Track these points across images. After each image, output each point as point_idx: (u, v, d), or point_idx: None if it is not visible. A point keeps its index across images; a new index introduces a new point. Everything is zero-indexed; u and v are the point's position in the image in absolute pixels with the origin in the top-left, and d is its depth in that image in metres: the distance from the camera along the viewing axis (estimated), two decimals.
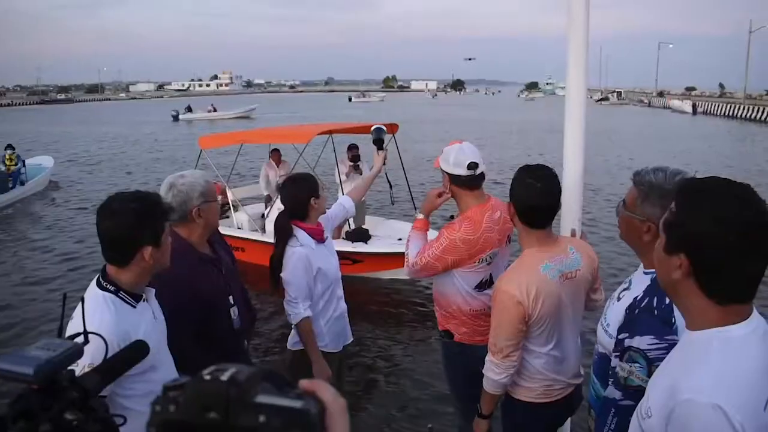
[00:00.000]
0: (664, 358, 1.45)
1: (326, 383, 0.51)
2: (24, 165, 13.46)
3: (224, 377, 0.45)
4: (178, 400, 0.46)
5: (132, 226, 1.67)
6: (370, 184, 3.39)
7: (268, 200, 8.53)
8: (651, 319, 1.51)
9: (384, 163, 3.29)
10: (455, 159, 2.46)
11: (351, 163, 8.16)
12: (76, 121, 41.16)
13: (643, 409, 1.15)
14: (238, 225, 8.16)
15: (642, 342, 1.45)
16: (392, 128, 8.30)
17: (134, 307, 1.73)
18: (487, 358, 2.08)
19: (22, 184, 13.10)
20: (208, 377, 0.46)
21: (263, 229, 7.52)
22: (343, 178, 7.85)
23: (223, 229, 7.95)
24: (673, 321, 1.48)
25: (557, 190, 2.06)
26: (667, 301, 1.49)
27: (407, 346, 5.76)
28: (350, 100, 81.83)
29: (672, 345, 1.48)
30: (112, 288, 1.70)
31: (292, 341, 2.88)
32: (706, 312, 1.09)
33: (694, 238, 1.08)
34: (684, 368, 1.10)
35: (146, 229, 1.69)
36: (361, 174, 8.16)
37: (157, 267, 1.79)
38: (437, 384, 4.63)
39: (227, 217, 8.82)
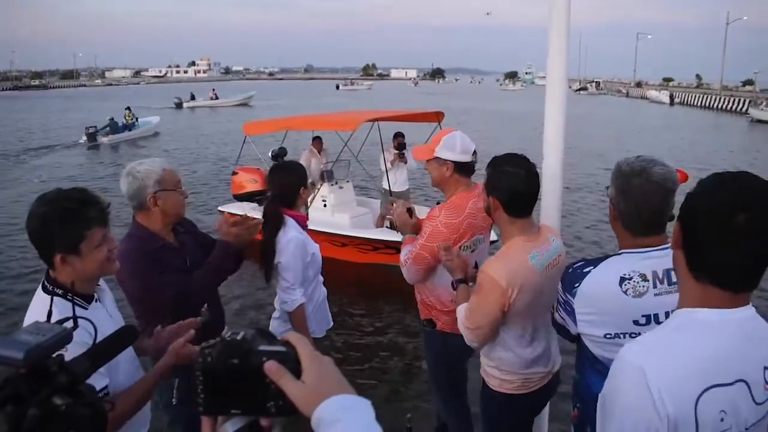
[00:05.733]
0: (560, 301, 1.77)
1: (299, 336, 0.74)
2: (137, 120, 23.12)
3: (239, 337, 0.71)
4: (212, 353, 0.70)
5: (38, 231, 1.57)
6: None
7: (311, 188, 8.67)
8: (566, 272, 1.78)
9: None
10: (462, 146, 2.48)
11: (396, 151, 8.06)
12: (60, 109, 39.07)
13: None
14: None
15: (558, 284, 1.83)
16: (438, 116, 8.55)
17: (86, 308, 1.64)
18: (460, 325, 2.12)
19: (130, 130, 22.37)
20: (229, 338, 0.70)
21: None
22: (389, 166, 7.80)
23: None
24: (576, 285, 1.68)
25: (538, 176, 2.07)
26: (586, 269, 1.68)
27: (392, 331, 5.75)
28: (338, 87, 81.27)
29: (564, 303, 1.74)
30: (60, 291, 1.60)
31: (279, 331, 2.78)
32: (688, 288, 1.09)
33: (691, 211, 1.08)
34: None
35: (53, 237, 1.56)
36: (406, 163, 8.09)
37: (95, 274, 1.67)
38: (419, 371, 4.74)
39: None
